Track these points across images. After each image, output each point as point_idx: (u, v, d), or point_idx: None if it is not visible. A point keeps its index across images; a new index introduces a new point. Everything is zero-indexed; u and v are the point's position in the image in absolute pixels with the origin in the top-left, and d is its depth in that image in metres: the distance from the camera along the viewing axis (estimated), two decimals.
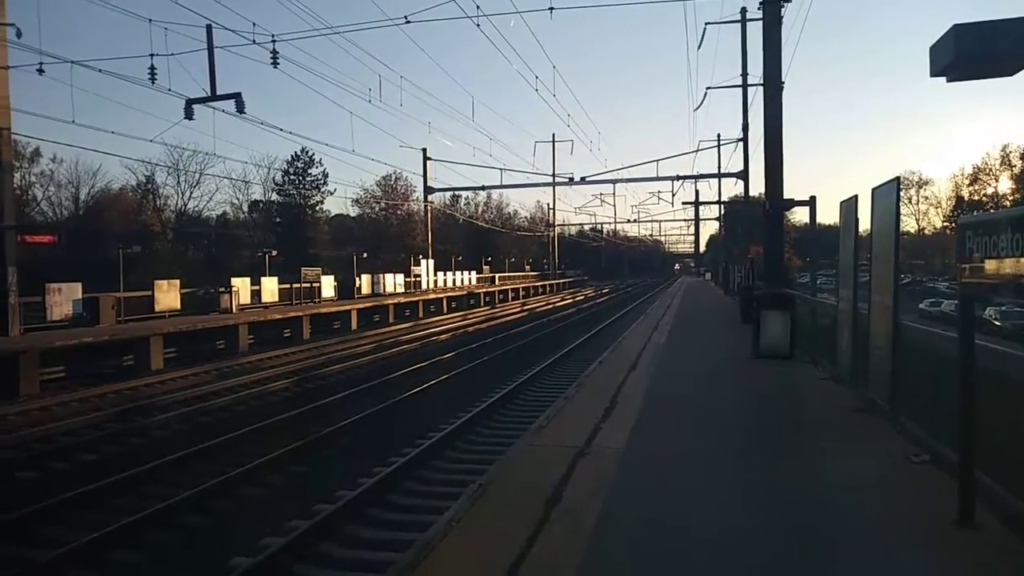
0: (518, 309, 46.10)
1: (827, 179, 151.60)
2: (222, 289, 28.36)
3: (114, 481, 8.83)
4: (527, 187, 51.94)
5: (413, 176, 65.48)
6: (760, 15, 15.76)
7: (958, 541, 4.24)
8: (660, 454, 6.45)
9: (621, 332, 20.89)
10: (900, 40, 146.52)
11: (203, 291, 28.75)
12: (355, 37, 37.62)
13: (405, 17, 20.38)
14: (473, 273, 61.18)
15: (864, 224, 7.83)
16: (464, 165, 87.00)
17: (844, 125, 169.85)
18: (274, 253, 40.57)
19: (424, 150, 49.19)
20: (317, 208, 73.05)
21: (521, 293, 63.40)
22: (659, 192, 56.87)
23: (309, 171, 70.43)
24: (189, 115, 19.99)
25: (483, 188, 50.19)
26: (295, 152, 69.35)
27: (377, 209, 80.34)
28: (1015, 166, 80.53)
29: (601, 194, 70.71)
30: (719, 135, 48.09)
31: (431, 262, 50.14)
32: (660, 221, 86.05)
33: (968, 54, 4.54)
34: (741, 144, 33.99)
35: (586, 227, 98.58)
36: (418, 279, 48.74)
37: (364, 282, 40.34)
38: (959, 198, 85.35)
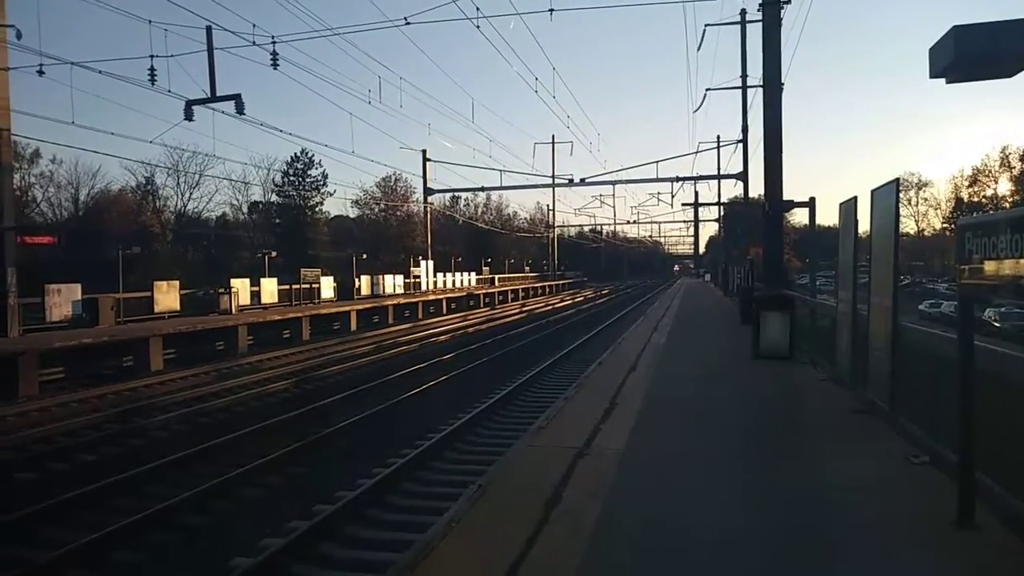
0: (517, 310, 46.10)
1: (826, 180, 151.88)
2: (221, 290, 28.35)
3: (114, 482, 8.83)
4: (527, 188, 52.23)
5: (413, 177, 65.50)
6: (760, 17, 15.79)
7: (958, 542, 4.24)
8: (660, 455, 6.45)
9: (620, 333, 20.90)
10: (899, 42, 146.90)
11: (202, 292, 28.73)
12: (355, 38, 37.69)
13: (405, 18, 20.44)
14: (472, 274, 61.17)
15: (863, 226, 7.83)
16: (464, 166, 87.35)
17: (844, 126, 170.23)
18: (273, 254, 40.52)
19: (424, 151, 49.31)
20: (317, 209, 73.12)
21: (520, 294, 63.39)
22: (659, 193, 56.99)
23: (309, 172, 70.51)
24: (189, 116, 19.99)
25: (483, 189, 50.41)
26: (295, 153, 69.50)
27: (377, 210, 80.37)
28: (1015, 168, 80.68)
29: (601, 195, 71.06)
30: (719, 136, 48.37)
31: (431, 263, 50.14)
32: (660, 222, 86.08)
33: (968, 55, 4.54)
34: (740, 145, 34.08)
35: (586, 228, 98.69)
36: (417, 280, 48.73)
37: (363, 283, 40.33)
38: (958, 200, 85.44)
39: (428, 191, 50.90)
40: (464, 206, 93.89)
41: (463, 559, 4.29)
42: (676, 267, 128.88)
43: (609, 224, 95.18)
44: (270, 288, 32.20)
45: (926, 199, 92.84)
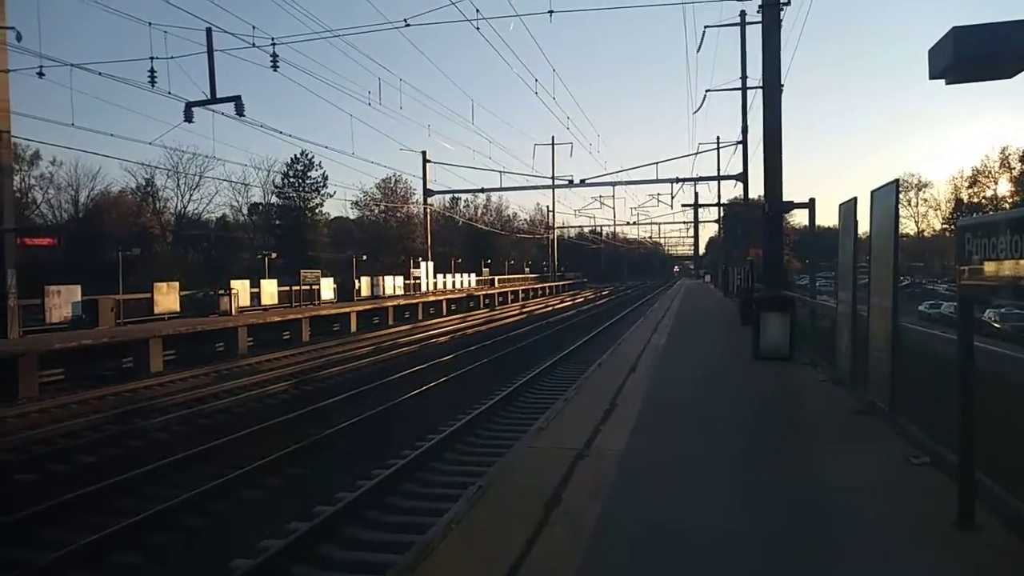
0: (517, 311, 46.11)
1: (826, 181, 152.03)
2: (221, 291, 28.36)
3: (114, 483, 8.82)
4: (526, 189, 52.28)
5: (413, 178, 65.63)
6: (759, 18, 15.80)
7: (958, 542, 4.24)
8: (660, 456, 6.45)
9: (620, 334, 20.89)
10: (899, 43, 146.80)
11: (202, 293, 28.75)
12: (355, 40, 37.68)
13: (405, 20, 20.46)
14: (472, 275, 61.18)
15: (863, 226, 7.83)
16: (464, 168, 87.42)
17: (843, 127, 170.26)
18: (273, 255, 40.55)
19: (424, 153, 49.34)
20: (316, 211, 73.11)
21: (520, 295, 63.41)
22: (658, 194, 57.24)
23: (308, 174, 70.51)
24: (189, 118, 20.00)
25: (483, 190, 50.36)
26: (295, 155, 69.50)
27: (377, 212, 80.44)
28: (1014, 168, 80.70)
29: (600, 196, 70.88)
30: (718, 137, 48.26)
31: (430, 264, 50.15)
32: (659, 223, 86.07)
33: (967, 56, 4.54)
34: (740, 146, 34.08)
35: (586, 229, 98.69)
36: (417, 281, 48.73)
37: (363, 284, 40.34)
38: (958, 200, 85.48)
39: (428, 192, 50.91)
40: (464, 207, 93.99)
41: (463, 560, 4.29)
42: (676, 268, 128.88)
43: (609, 225, 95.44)
44: (270, 289, 32.22)
45: (926, 200, 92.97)
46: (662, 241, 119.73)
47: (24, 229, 28.35)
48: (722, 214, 57.20)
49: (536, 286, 72.73)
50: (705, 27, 34.88)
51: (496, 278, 67.35)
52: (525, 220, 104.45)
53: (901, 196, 7.18)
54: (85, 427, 12.64)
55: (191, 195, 67.29)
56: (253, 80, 78.80)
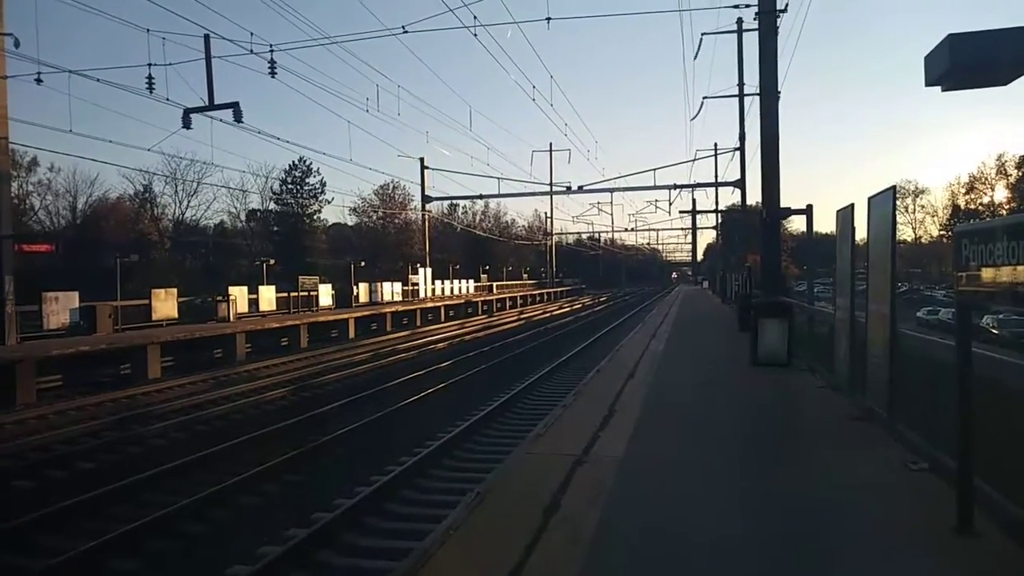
0: (516, 317, 46.09)
1: (824, 188, 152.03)
2: (219, 298, 28.32)
3: (112, 489, 8.81)
4: (525, 196, 52.09)
5: (411, 185, 65.70)
6: (756, 25, 15.85)
7: (957, 548, 4.24)
8: (658, 462, 6.45)
9: (619, 340, 20.89)
10: (895, 50, 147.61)
11: (200, 300, 28.72)
12: (353, 47, 37.91)
13: (403, 27, 20.49)
14: (471, 281, 61.17)
15: (861, 233, 7.85)
16: (462, 174, 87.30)
17: (840, 134, 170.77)
18: (272, 262, 40.48)
19: (422, 159, 49.29)
20: (315, 217, 73.09)
21: (519, 301, 63.38)
22: (656, 201, 57.33)
23: (307, 180, 70.48)
24: (187, 124, 19.98)
25: (481, 197, 50.11)
26: (293, 161, 69.43)
27: (375, 218, 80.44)
28: (1011, 175, 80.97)
29: (598, 203, 71.09)
30: (716, 144, 48.24)
31: (429, 271, 50.13)
32: (657, 230, 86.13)
33: (963, 63, 4.56)
34: (738, 153, 34.07)
35: (584, 236, 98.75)
36: (416, 288, 48.72)
37: (362, 291, 40.32)
38: (955, 207, 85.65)
39: (426, 199, 50.88)
40: (462, 214, 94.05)
41: (461, 566, 4.29)
42: (674, 274, 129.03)
43: (607, 231, 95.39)
44: (268, 296, 32.18)
45: (923, 206, 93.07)
46: (660, 247, 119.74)
47: (22, 235, 28.31)
48: (720, 220, 57.28)
49: (534, 292, 72.73)
50: (702, 34, 35.08)
51: (494, 284, 67.40)
52: (523, 226, 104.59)
53: (898, 202, 7.20)
54: (83, 433, 12.61)
55: (189, 201, 67.28)
56: (251, 87, 79.13)
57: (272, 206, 71.54)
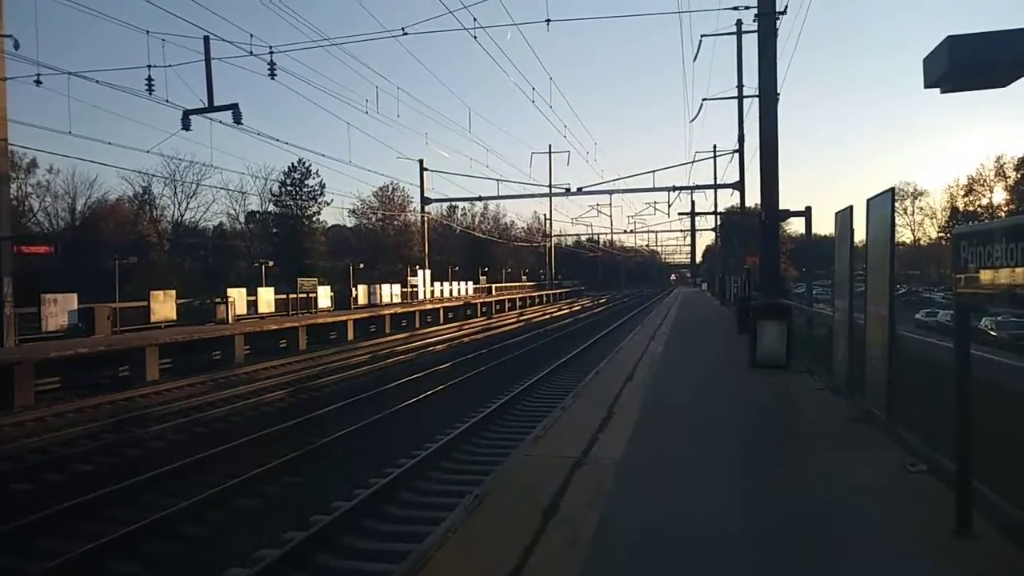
0: (515, 319, 46.09)
1: (823, 190, 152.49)
2: (218, 300, 28.31)
3: (110, 492, 8.79)
4: (524, 198, 52.10)
5: (410, 187, 65.60)
6: (755, 27, 15.86)
7: (956, 550, 4.24)
8: (657, 464, 6.45)
9: (618, 342, 20.90)
10: (895, 52, 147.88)
11: (199, 302, 28.71)
12: (352, 49, 37.85)
13: (402, 29, 20.56)
14: (470, 283, 61.18)
15: (859, 235, 7.86)
16: (461, 176, 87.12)
17: (839, 136, 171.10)
18: (271, 264, 40.48)
19: (421, 161, 49.32)
20: (314, 219, 73.16)
21: (518, 303, 63.38)
22: (655, 203, 57.26)
23: (306, 182, 70.56)
24: (186, 126, 19.99)
25: (480, 199, 50.03)
26: (292, 163, 69.54)
27: (374, 220, 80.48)
28: (1010, 177, 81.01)
29: (598, 205, 70.98)
30: (715, 146, 48.39)
31: (428, 272, 50.15)
32: (656, 232, 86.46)
33: (961, 65, 4.56)
34: (737, 155, 34.07)
35: (583, 237, 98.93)
36: (415, 289, 48.73)
37: (361, 292, 40.32)
38: (954, 209, 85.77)
39: (425, 200, 50.88)
40: (461, 215, 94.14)
41: (460, 569, 4.28)
42: (673, 276, 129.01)
43: (606, 233, 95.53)
44: (267, 297, 32.18)
45: (922, 208, 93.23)
46: (659, 249, 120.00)
47: (21, 237, 28.29)
48: (719, 222, 57.31)
49: (533, 294, 72.77)
50: (701, 36, 35.09)
51: (493, 286, 67.37)
52: (522, 228, 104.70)
53: (897, 204, 7.21)
54: (81, 436, 12.59)
55: (188, 203, 67.38)
56: (251, 88, 79.22)
57: (271, 208, 71.69)
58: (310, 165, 69.16)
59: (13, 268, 19.61)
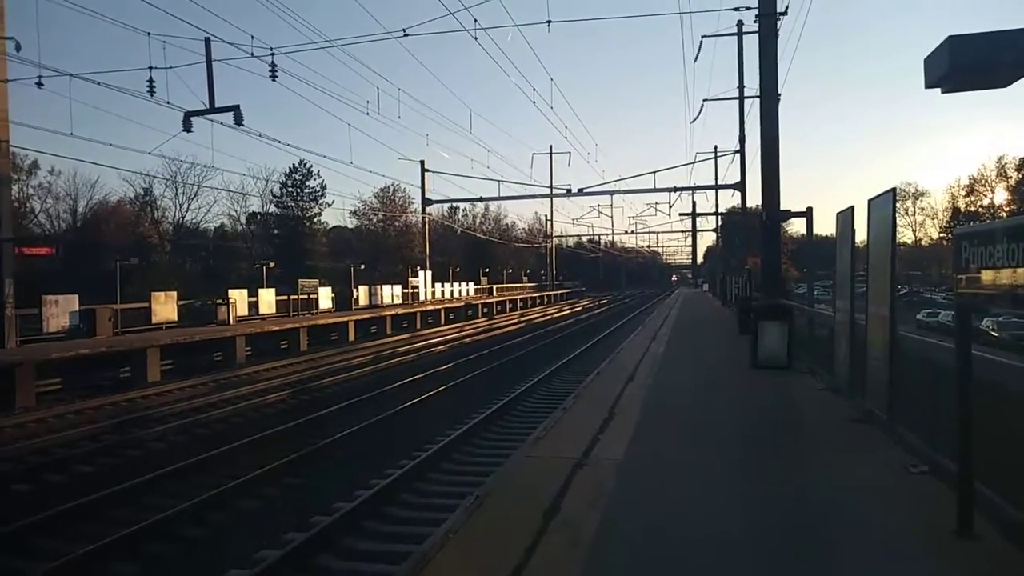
0: (516, 320, 46.08)
1: (824, 190, 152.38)
2: (219, 301, 28.34)
3: (111, 493, 8.79)
4: (525, 199, 52.09)
5: (411, 188, 65.68)
6: (756, 28, 15.86)
7: (957, 551, 4.24)
8: (658, 465, 6.44)
9: (619, 343, 20.89)
10: (895, 52, 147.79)
11: (200, 303, 28.73)
12: (353, 50, 37.85)
13: (403, 30, 20.52)
14: (471, 284, 61.20)
15: (861, 235, 7.86)
16: (462, 177, 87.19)
17: (840, 136, 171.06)
18: (272, 265, 40.51)
19: (422, 162, 49.32)
20: (315, 220, 73.16)
21: (519, 304, 63.37)
22: (656, 203, 57.15)
23: (307, 183, 70.55)
24: (187, 127, 19.98)
25: (481, 200, 50.10)
26: (293, 164, 69.55)
27: (375, 221, 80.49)
28: (1011, 177, 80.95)
29: (599, 205, 70.93)
30: (716, 147, 48.36)
31: (429, 273, 50.15)
32: (657, 232, 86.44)
33: (962, 65, 4.56)
34: (738, 156, 34.08)
35: (584, 238, 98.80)
36: (416, 290, 48.75)
37: (362, 293, 40.34)
38: (955, 209, 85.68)
39: (426, 201, 50.88)
40: (462, 216, 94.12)
41: (461, 570, 4.28)
42: (674, 277, 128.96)
43: (607, 234, 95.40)
44: (268, 299, 32.21)
45: (923, 209, 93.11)
46: (660, 250, 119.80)
47: (22, 238, 28.35)
48: (720, 223, 57.29)
49: (534, 295, 72.74)
50: (702, 37, 34.94)
51: (494, 287, 67.39)
52: (523, 229, 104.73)
53: (898, 205, 7.20)
54: (82, 437, 12.60)
55: (189, 205, 67.44)
56: (252, 90, 79.25)
57: (272, 209, 71.70)
58: (311, 166, 69.27)
59: (14, 269, 19.63)
